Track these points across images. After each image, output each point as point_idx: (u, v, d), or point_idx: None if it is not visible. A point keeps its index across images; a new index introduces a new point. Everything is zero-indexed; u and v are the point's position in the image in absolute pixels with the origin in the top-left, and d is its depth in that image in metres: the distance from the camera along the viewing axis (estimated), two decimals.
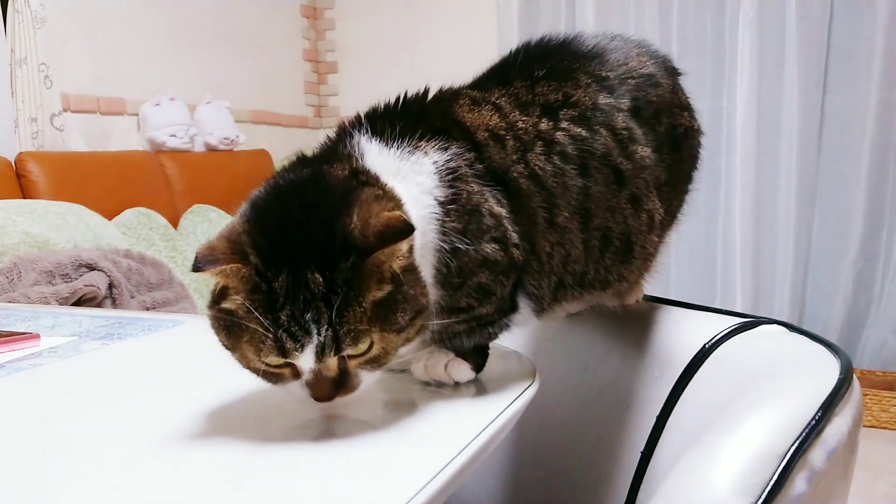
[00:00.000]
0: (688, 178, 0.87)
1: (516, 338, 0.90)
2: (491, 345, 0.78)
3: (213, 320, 0.60)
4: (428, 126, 0.67)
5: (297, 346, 0.55)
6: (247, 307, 0.55)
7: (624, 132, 0.73)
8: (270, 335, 0.55)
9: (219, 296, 0.58)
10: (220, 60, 3.50)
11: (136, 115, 3.04)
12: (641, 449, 0.75)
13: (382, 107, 0.70)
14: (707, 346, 0.73)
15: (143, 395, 0.72)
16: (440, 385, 0.70)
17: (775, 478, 0.49)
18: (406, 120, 0.67)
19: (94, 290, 1.96)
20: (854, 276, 2.97)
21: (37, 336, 0.89)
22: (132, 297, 2.14)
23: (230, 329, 0.58)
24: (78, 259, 2.02)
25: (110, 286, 2.06)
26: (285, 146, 3.79)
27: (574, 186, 0.70)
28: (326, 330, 0.55)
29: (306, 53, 4.11)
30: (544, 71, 0.73)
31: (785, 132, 3.00)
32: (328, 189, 0.60)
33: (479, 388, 0.70)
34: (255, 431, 0.62)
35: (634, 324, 0.84)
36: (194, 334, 0.97)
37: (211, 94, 3.29)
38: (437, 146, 0.66)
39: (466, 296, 0.67)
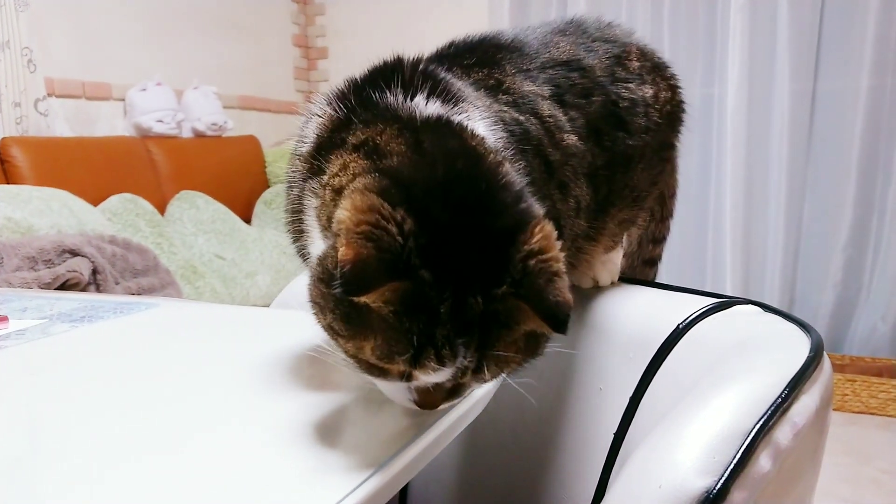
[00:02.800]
0: (657, 149, 0.85)
1: None
2: None
3: (326, 299, 0.51)
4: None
5: (438, 365, 0.49)
6: (395, 316, 0.48)
7: (550, 119, 0.72)
8: (412, 350, 0.48)
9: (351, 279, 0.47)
10: (208, 45, 3.47)
11: (123, 100, 3.02)
12: (614, 430, 0.74)
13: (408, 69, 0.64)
14: (681, 326, 0.72)
15: (107, 379, 0.71)
16: None
17: (738, 456, 0.48)
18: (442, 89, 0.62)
19: (77, 275, 1.95)
20: (844, 263, 2.97)
21: (4, 318, 0.88)
22: (117, 283, 2.13)
23: (352, 318, 0.50)
24: (61, 245, 2.01)
25: (94, 272, 2.04)
26: (274, 132, 3.77)
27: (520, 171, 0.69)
28: (475, 355, 0.49)
29: (296, 38, 4.08)
30: (473, 60, 0.73)
31: (776, 118, 2.99)
32: (490, 182, 0.53)
33: None
34: (216, 421, 0.61)
35: (610, 305, 0.83)
36: (168, 317, 0.95)
37: (198, 79, 3.26)
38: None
39: None
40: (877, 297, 2.95)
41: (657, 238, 1.02)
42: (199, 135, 3.22)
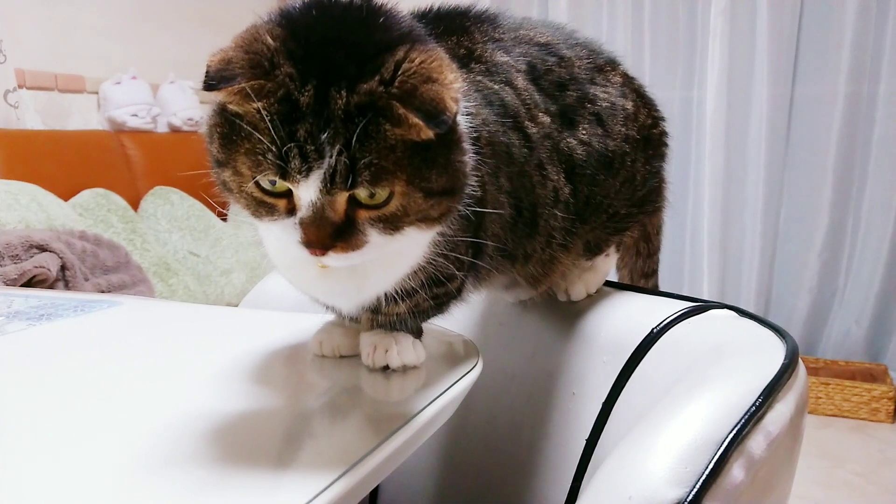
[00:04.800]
0: (639, 164, 0.81)
1: (465, 324, 0.88)
2: (436, 328, 0.75)
3: (209, 128, 0.53)
4: None
5: (304, 167, 0.48)
6: (259, 113, 0.48)
7: (525, 93, 0.69)
8: (275, 147, 0.48)
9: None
10: (185, 39, 3.41)
11: (96, 93, 2.96)
12: (586, 436, 0.73)
13: None
14: (655, 330, 0.70)
15: (60, 381, 0.68)
16: (385, 369, 0.66)
17: (711, 466, 0.47)
18: None
19: (44, 271, 1.90)
20: (819, 267, 2.99)
21: None
22: (86, 280, 2.08)
23: (228, 137, 0.51)
24: (28, 240, 1.96)
25: (63, 268, 1.99)
26: None
27: (501, 143, 0.66)
28: (342, 154, 0.48)
29: None
30: (441, 29, 0.69)
31: (754, 122, 3.00)
32: (385, 20, 0.53)
33: (422, 370, 0.68)
34: (177, 423, 0.58)
35: (584, 308, 0.82)
36: (131, 317, 0.92)
37: (175, 74, 3.20)
38: None
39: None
40: (851, 302, 2.98)
41: (647, 273, 0.99)
42: (174, 130, 3.17)
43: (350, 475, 0.48)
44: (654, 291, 0.81)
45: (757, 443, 0.49)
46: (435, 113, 0.48)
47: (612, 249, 0.88)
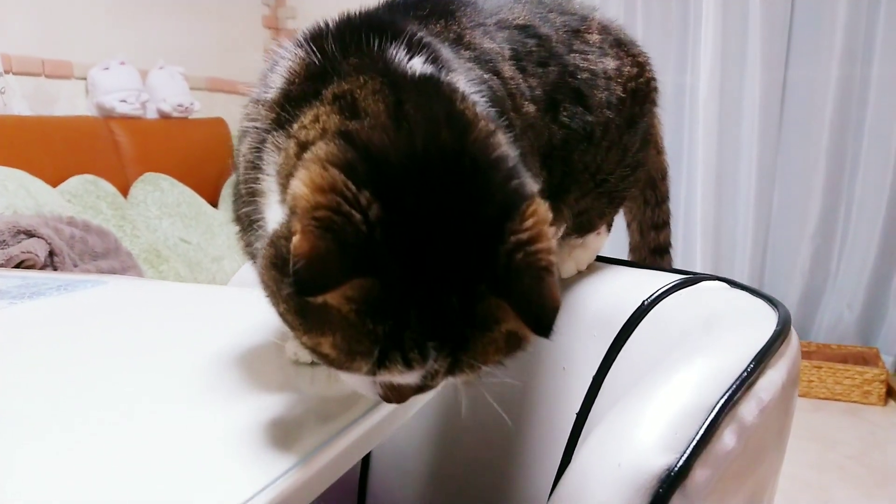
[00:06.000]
0: (624, 126, 0.80)
1: None
2: None
3: (280, 286, 0.45)
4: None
5: (405, 368, 0.43)
6: (357, 316, 0.42)
7: (511, 82, 0.67)
8: (377, 352, 0.42)
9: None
10: (175, 24, 3.38)
11: (84, 79, 2.92)
12: (577, 410, 0.72)
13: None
14: (646, 302, 0.70)
15: (37, 358, 0.67)
16: None
17: (701, 432, 0.46)
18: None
19: (32, 257, 1.88)
20: (812, 252, 2.99)
21: None
22: (75, 266, 2.06)
23: (311, 316, 0.44)
24: (16, 225, 1.93)
25: (51, 254, 1.97)
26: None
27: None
28: (446, 358, 0.44)
29: (266, 20, 3.99)
30: (426, 11, 0.66)
31: (747, 107, 2.99)
32: (478, 158, 0.46)
33: None
34: (154, 402, 0.57)
35: (574, 284, 0.81)
36: (115, 295, 0.91)
37: (164, 60, 3.17)
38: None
39: None
40: (843, 286, 2.98)
41: (658, 224, 0.96)
42: (164, 116, 3.14)
43: (333, 445, 0.48)
44: (645, 265, 0.80)
45: (749, 409, 0.48)
46: (546, 323, 0.43)
47: (603, 228, 0.87)
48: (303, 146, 0.47)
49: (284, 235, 0.43)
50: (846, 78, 2.83)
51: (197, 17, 3.50)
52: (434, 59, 0.54)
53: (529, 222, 0.44)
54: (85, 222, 2.23)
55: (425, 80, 0.51)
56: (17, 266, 1.86)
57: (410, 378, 0.45)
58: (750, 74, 2.96)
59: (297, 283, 0.40)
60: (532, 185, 0.48)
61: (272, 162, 0.52)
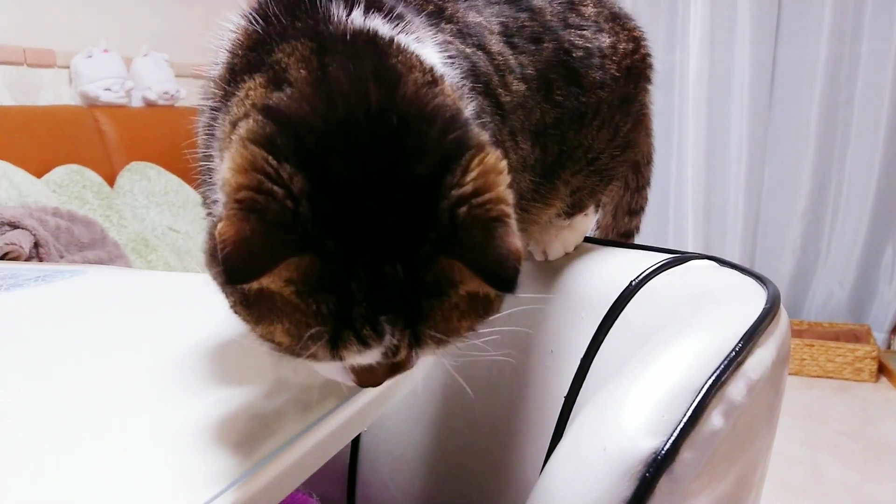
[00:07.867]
0: (616, 105, 0.77)
1: None
2: None
3: (231, 293, 0.44)
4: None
5: (362, 347, 0.41)
6: (299, 297, 0.40)
7: (499, 58, 0.64)
8: (327, 335, 0.40)
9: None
10: (158, 10, 3.32)
11: (67, 67, 2.88)
12: (565, 393, 0.71)
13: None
14: (634, 283, 0.68)
15: (11, 351, 0.65)
16: None
17: (689, 414, 0.45)
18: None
19: (16, 248, 1.86)
20: (803, 230, 2.99)
21: None
22: (61, 257, 2.03)
23: (255, 305, 0.42)
24: None
25: (36, 245, 1.95)
26: None
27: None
28: (404, 332, 0.41)
29: (252, 3, 3.94)
30: None
31: (736, 85, 2.98)
32: (408, 111, 0.42)
33: None
34: (130, 393, 0.56)
35: (561, 265, 0.80)
36: (94, 285, 0.89)
37: (148, 46, 3.13)
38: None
39: None
40: (834, 263, 2.99)
41: (633, 209, 0.95)
42: (150, 104, 3.10)
43: (319, 428, 0.48)
44: (634, 245, 0.78)
45: (737, 388, 0.47)
46: (508, 276, 0.40)
47: (591, 209, 0.85)
48: (234, 124, 0.45)
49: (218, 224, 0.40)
50: (836, 55, 2.82)
51: (181, 2, 3.45)
52: (392, 18, 0.51)
53: (473, 174, 0.41)
54: (70, 213, 2.20)
55: (359, 35, 0.47)
56: (2, 258, 1.84)
57: (371, 357, 0.42)
58: (739, 52, 2.95)
59: (227, 271, 0.37)
60: (480, 134, 0.44)
61: (216, 142, 0.50)
